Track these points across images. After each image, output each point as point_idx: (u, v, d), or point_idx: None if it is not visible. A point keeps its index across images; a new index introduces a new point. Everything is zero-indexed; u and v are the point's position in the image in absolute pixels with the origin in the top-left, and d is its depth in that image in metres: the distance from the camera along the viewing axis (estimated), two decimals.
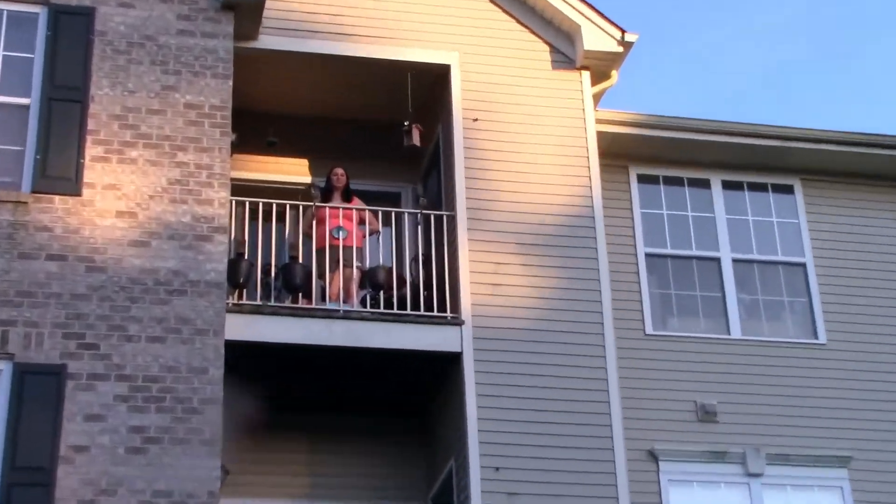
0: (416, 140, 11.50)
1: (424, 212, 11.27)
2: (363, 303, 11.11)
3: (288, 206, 11.22)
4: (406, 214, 11.50)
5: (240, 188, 11.50)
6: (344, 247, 11.07)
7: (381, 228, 11.50)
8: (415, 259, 11.45)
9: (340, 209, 11.32)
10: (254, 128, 11.88)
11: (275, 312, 10.47)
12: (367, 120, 12.38)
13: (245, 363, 10.11)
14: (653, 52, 31.31)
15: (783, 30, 31.27)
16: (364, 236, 11.42)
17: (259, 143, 12.07)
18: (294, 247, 11.27)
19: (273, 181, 12.18)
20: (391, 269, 11.08)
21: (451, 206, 11.31)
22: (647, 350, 11.72)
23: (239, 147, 11.29)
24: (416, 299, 10.99)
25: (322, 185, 11.77)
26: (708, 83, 32.33)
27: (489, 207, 11.22)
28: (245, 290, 10.74)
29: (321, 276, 11.09)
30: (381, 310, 10.80)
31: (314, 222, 11.18)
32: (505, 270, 10.99)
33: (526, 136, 11.57)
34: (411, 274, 11.40)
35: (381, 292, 10.95)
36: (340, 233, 11.06)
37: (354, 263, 11.13)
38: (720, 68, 32.39)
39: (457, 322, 10.70)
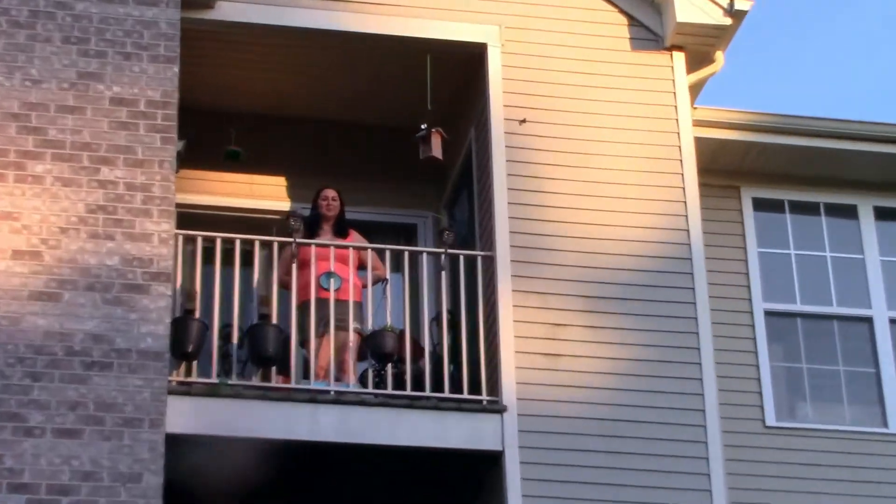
0: (437, 151, 11.21)
1: (451, 251, 10.93)
2: (363, 381, 10.77)
3: (257, 244, 10.73)
4: (424, 256, 11.13)
5: (189, 218, 11.28)
6: (337, 301, 10.73)
7: (388, 275, 11.12)
8: (436, 318, 11.13)
9: (332, 248, 10.95)
10: (210, 133, 11.64)
11: (238, 395, 10.18)
12: (370, 123, 12.23)
13: (195, 466, 9.78)
14: (770, 31, 30.57)
15: None
16: (365, 286, 11.04)
17: (217, 155, 11.80)
18: (266, 301, 10.78)
19: (237, 208, 12.01)
20: (403, 332, 10.72)
21: (489, 243, 11.03)
22: (768, 449, 11.36)
23: (189, 160, 10.97)
24: (438, 376, 10.68)
25: (306, 213, 11.46)
26: (850, 73, 31.50)
27: (542, 245, 10.92)
28: (196, 363, 10.40)
29: (304, 342, 10.74)
30: (389, 391, 10.48)
31: (294, 266, 10.81)
32: (565, 335, 10.69)
33: (594, 145, 11.29)
34: (432, 340, 11.12)
35: (390, 366, 10.65)
36: (332, 281, 10.75)
37: (351, 325, 10.75)
38: (865, 54, 31.52)
39: (496, 408, 10.41)
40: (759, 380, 11.55)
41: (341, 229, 11.30)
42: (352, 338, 10.70)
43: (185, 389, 10.06)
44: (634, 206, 11.07)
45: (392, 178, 12.13)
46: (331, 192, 11.38)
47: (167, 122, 10.09)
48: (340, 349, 10.74)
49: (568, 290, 10.77)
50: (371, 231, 11.67)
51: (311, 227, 11.27)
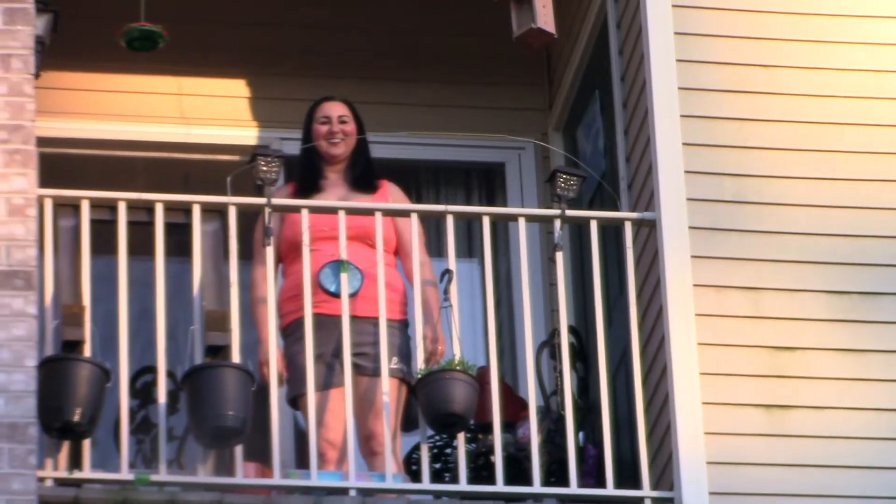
0: (546, 21, 11.15)
1: (572, 214, 10.89)
2: (413, 468, 10.97)
3: (197, 213, 10.75)
4: (522, 224, 11.09)
5: (65, 166, 11.59)
6: (354, 318, 10.80)
7: (454, 264, 11.02)
8: (549, 344, 11.33)
9: (342, 212, 10.86)
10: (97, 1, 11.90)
11: (172, 501, 10.22)
12: None
13: None
14: None
15: None
16: (406, 284, 11.17)
17: (113, 42, 11.80)
18: (218, 322, 10.73)
19: (154, 144, 12.41)
20: (486, 373, 10.72)
21: (645, 196, 11.07)
22: None
23: (59, 53, 11.17)
24: (556, 453, 10.74)
25: (288, 147, 11.51)
26: None
27: (749, 196, 10.93)
28: (90, 444, 10.36)
29: (296, 399, 10.91)
30: (464, 486, 10.45)
31: (269, 253, 10.90)
32: (800, 367, 10.62)
33: (833, 3, 11.19)
34: (542, 386, 11.28)
35: (461, 438, 10.63)
36: (344, 278, 10.80)
37: (385, 363, 10.77)
38: None
39: None
40: None
41: (363, 178, 11.25)
42: (388, 388, 10.70)
43: (72, 495, 10.00)
44: None
45: (458, 75, 12.47)
46: (336, 109, 11.25)
47: None
48: (365, 409, 10.80)
49: (805, 282, 10.69)
50: (419, 179, 12.12)
51: (304, 175, 11.26)
